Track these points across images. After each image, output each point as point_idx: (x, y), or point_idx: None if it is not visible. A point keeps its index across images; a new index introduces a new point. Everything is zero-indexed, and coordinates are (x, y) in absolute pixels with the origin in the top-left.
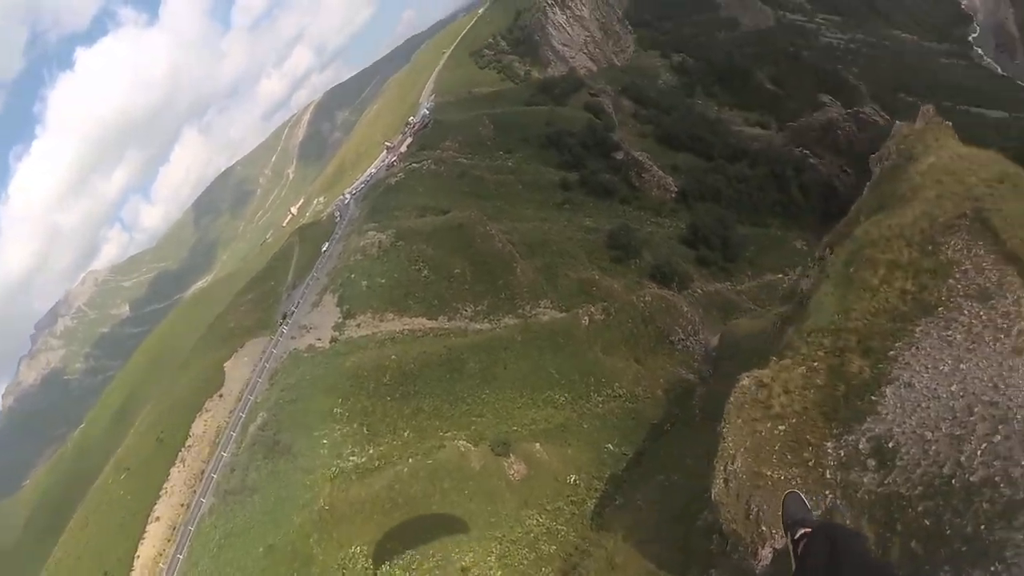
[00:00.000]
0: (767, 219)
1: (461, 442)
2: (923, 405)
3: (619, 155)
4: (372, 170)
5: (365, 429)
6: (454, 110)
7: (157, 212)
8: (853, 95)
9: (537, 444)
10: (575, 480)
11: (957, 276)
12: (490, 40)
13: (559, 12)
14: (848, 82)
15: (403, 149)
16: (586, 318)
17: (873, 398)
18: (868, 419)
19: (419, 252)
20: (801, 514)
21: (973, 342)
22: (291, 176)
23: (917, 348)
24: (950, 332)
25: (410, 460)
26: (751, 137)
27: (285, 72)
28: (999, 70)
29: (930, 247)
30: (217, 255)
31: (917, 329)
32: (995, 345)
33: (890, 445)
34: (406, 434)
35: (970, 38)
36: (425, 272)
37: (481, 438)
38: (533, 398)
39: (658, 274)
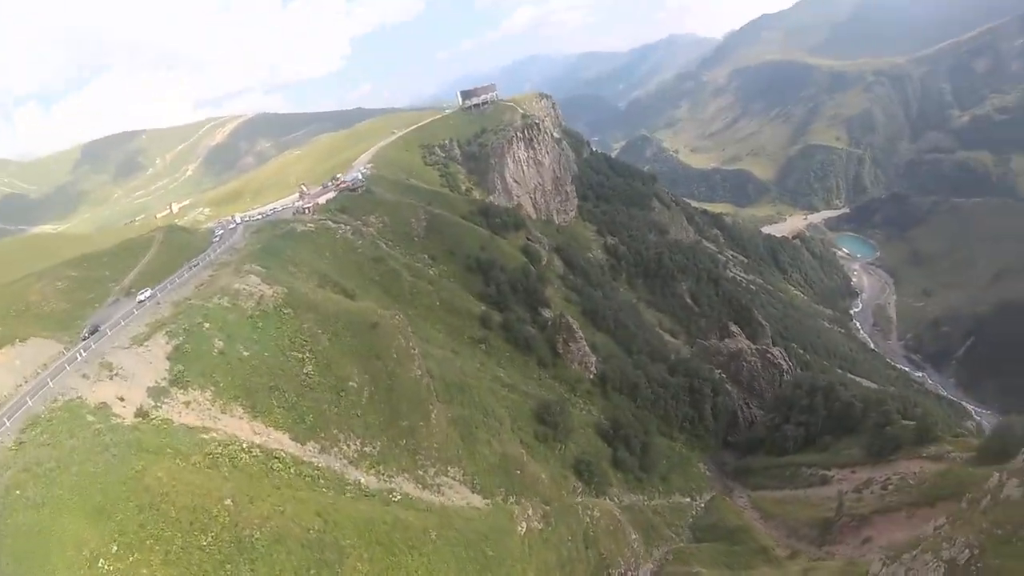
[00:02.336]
0: (674, 432)
1: None
2: None
3: (546, 312)
4: (276, 206)
5: None
6: (389, 188)
7: (47, 126)
8: (757, 332)
9: None
10: None
11: None
12: (445, 142)
13: (523, 149)
14: (756, 319)
15: (321, 201)
16: (523, 523)
17: None
18: None
19: (309, 335)
20: None
21: None
22: (189, 173)
23: None
24: None
25: None
26: (667, 343)
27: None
28: (871, 345)
29: None
30: (79, 209)
31: None
32: None
33: None
34: None
35: (852, 311)
36: (308, 368)
37: None
38: None
39: (581, 469)
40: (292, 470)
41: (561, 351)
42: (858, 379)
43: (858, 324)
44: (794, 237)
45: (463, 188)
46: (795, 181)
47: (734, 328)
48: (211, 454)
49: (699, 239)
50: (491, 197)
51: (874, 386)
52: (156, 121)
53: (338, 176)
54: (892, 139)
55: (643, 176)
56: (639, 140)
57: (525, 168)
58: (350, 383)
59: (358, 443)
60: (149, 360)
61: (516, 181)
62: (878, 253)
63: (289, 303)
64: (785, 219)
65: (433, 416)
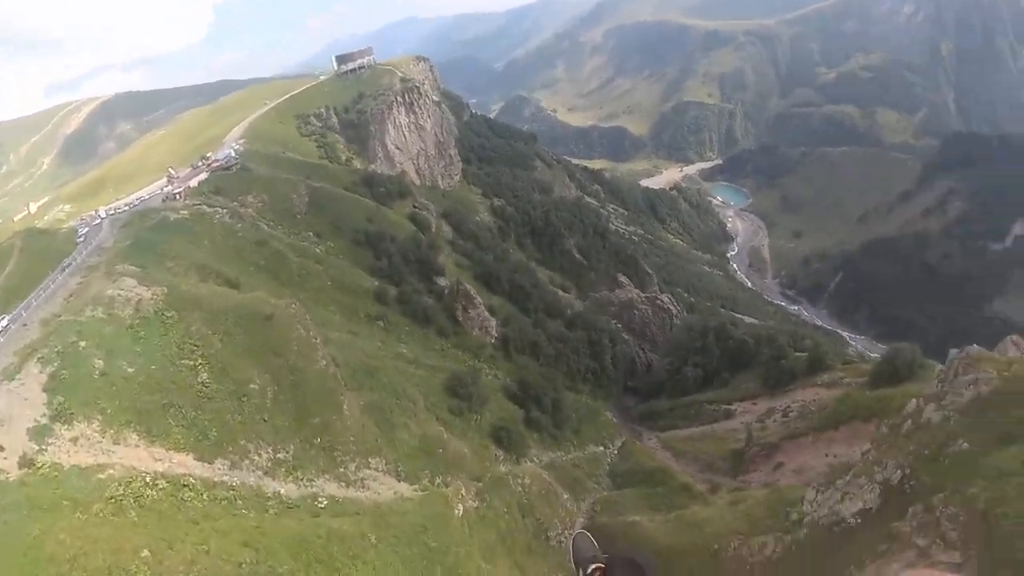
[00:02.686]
0: (578, 385)
1: None
2: None
3: (442, 281)
4: (144, 194)
5: None
6: (265, 164)
7: None
8: (645, 281)
9: None
10: None
11: None
12: (321, 110)
13: (404, 113)
14: (643, 268)
15: (192, 183)
16: (459, 505)
17: None
18: None
19: (199, 339)
20: (591, 551)
21: None
22: (45, 167)
23: None
24: None
25: None
26: (561, 299)
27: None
28: (749, 284)
29: None
30: None
31: None
32: None
33: None
34: None
35: (729, 255)
36: (203, 376)
37: None
38: None
39: (501, 437)
40: (205, 496)
41: (461, 319)
42: (741, 316)
43: (735, 266)
44: (671, 189)
45: (343, 158)
46: (670, 136)
47: (623, 279)
48: (113, 498)
49: (581, 195)
50: (373, 166)
51: (756, 322)
52: (3, 113)
53: (208, 155)
54: (763, 95)
55: (524, 136)
56: (517, 101)
57: (407, 134)
58: (251, 386)
59: (270, 450)
60: (24, 396)
61: (398, 148)
62: (750, 200)
63: (172, 305)
64: (661, 172)
65: (345, 407)
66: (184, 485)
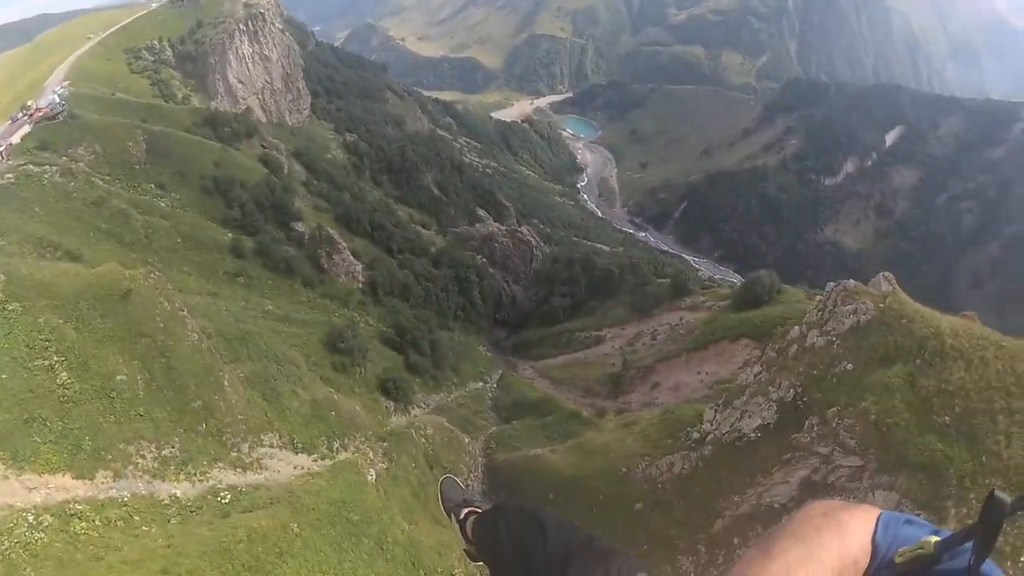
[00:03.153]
0: (450, 323)
1: None
2: None
3: (300, 227)
4: None
5: None
6: (95, 108)
7: None
8: (503, 214)
9: None
10: None
11: None
12: (154, 43)
13: (247, 43)
14: (500, 201)
15: (14, 140)
16: (371, 471)
17: None
18: None
19: (51, 332)
20: (462, 495)
21: None
22: None
23: None
24: None
25: None
26: (423, 236)
27: None
28: (599, 213)
29: None
30: None
31: None
32: None
33: None
34: None
35: (579, 185)
36: (63, 376)
37: None
38: None
39: (388, 388)
40: (98, 522)
41: (326, 266)
42: (595, 244)
43: (585, 196)
44: (523, 121)
45: (180, 96)
46: (522, 69)
47: (482, 212)
48: None
49: (434, 128)
50: (214, 103)
51: (607, 249)
52: None
53: (30, 103)
54: (614, 32)
55: (373, 67)
56: (364, 29)
57: (251, 66)
58: (118, 378)
59: (153, 448)
60: None
61: (241, 82)
62: (600, 133)
63: (13, 294)
64: (513, 104)
65: (226, 383)
66: (72, 515)
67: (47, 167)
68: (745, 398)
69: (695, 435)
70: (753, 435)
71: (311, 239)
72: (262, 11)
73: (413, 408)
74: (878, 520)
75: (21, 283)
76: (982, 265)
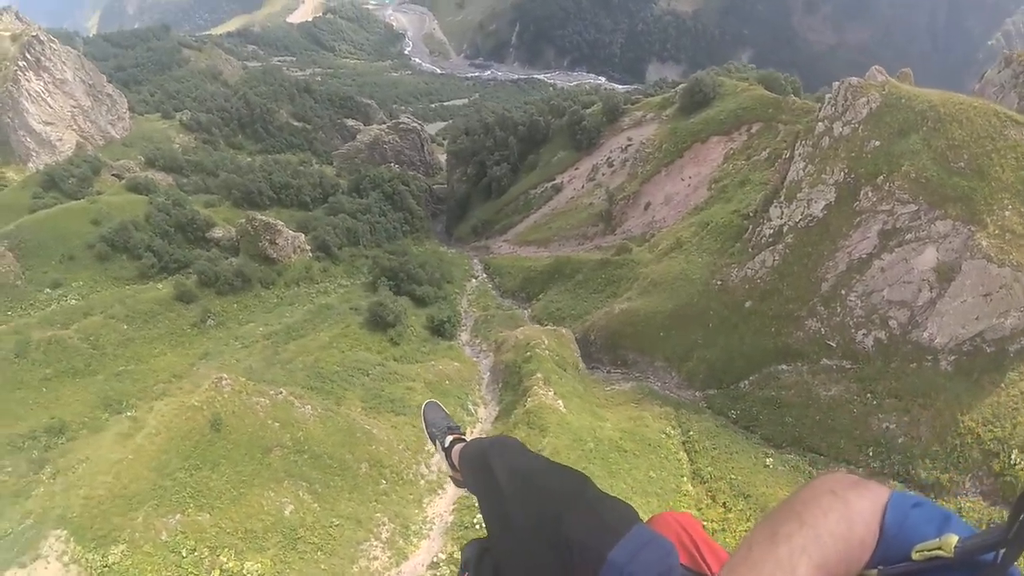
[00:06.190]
0: (405, 241)
1: None
2: None
3: (218, 232)
4: None
5: None
6: None
7: None
8: (369, 114)
9: None
10: None
11: None
12: None
13: (34, 78)
14: (361, 103)
15: None
16: (559, 402)
17: None
18: None
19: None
20: (445, 421)
21: None
22: None
23: None
24: None
25: None
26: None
27: None
28: (438, 71)
29: None
30: None
31: None
32: None
33: None
34: None
35: (406, 51)
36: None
37: None
38: None
39: (442, 329)
40: None
41: (273, 254)
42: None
43: (418, 60)
44: (325, 14)
45: None
46: None
47: (351, 122)
48: None
49: (243, 64)
50: (31, 164)
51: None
52: None
53: None
54: None
55: (156, 33)
56: (114, 3)
57: (50, 102)
58: (286, 512)
59: (379, 529)
60: None
61: (49, 123)
62: None
63: None
64: (304, 2)
65: (367, 427)
66: None
67: None
68: (805, 190)
69: (768, 231)
70: (821, 214)
71: (243, 235)
72: (32, 33)
73: (461, 332)
74: (887, 503)
75: None
76: None
